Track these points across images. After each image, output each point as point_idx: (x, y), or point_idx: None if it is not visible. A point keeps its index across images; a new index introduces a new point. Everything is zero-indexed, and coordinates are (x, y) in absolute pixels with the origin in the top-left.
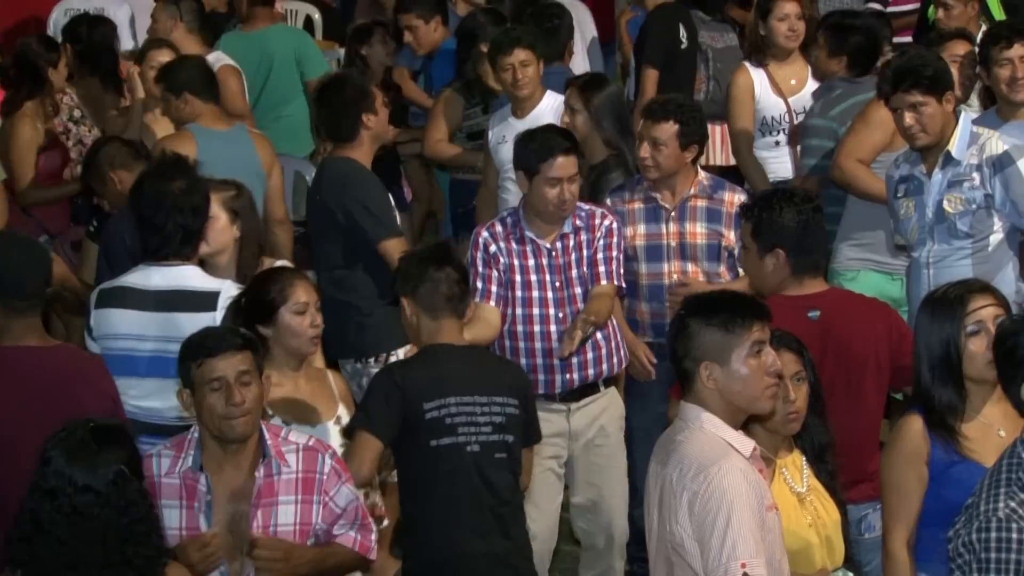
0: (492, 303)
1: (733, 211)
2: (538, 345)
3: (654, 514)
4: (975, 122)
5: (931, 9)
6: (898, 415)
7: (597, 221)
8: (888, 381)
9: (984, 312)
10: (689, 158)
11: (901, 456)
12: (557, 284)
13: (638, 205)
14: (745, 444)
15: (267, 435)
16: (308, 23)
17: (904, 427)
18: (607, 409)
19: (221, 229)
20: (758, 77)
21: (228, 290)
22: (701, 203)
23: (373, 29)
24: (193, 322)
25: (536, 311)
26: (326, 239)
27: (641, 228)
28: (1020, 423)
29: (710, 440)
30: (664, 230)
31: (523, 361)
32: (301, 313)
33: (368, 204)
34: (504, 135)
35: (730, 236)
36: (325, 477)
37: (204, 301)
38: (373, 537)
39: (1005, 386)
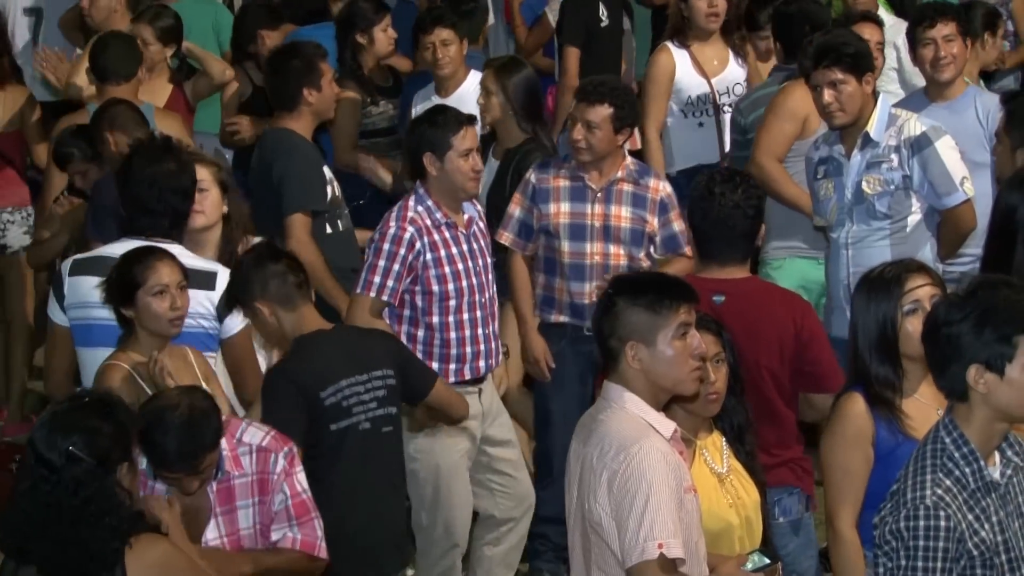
0: (385, 297)
1: (658, 198)
2: (467, 333)
3: (573, 492)
4: (907, 102)
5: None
6: None
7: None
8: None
9: (921, 291)
10: (621, 141)
11: (845, 437)
12: (478, 268)
13: (563, 183)
14: (666, 425)
15: (223, 444)
16: None
17: (846, 408)
18: (489, 382)
19: (214, 202)
20: (680, 58)
21: (223, 271)
22: (627, 187)
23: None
24: (193, 298)
25: (466, 299)
26: (264, 208)
27: (566, 206)
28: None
29: (631, 420)
30: (589, 210)
31: (453, 351)
32: (160, 294)
33: (293, 174)
34: None
35: (653, 222)
36: (276, 477)
37: (203, 279)
38: (318, 532)
39: (938, 370)
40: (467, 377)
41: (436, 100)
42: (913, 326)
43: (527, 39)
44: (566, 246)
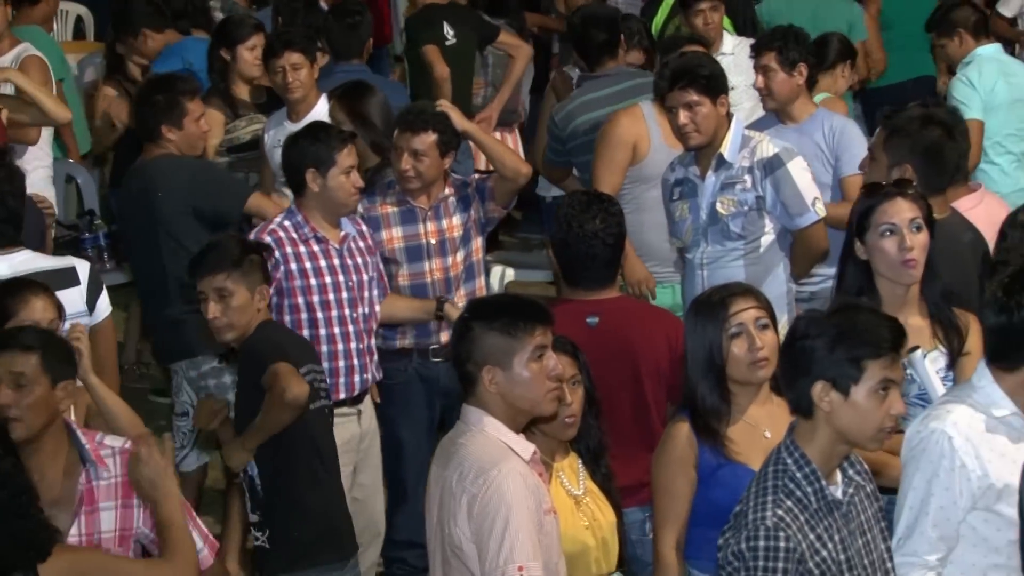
0: None
1: (474, 182)
2: (339, 347)
3: (433, 516)
4: (759, 124)
5: (657, 18)
6: None
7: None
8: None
9: (745, 315)
10: (448, 164)
11: (670, 460)
12: (350, 284)
13: (391, 208)
14: (525, 447)
15: (82, 439)
16: (79, 23)
17: (672, 432)
18: (369, 404)
19: None
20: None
21: (79, 263)
22: (453, 198)
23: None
24: (63, 298)
25: (334, 312)
26: (135, 233)
27: (398, 231)
28: (785, 425)
29: (491, 443)
30: (422, 230)
31: (324, 365)
32: None
33: (212, 181)
34: (279, 139)
35: (478, 208)
36: None
37: (66, 277)
38: (201, 545)
39: (788, 381)
40: (342, 395)
41: (287, 125)
42: (738, 349)
43: None
44: (405, 269)
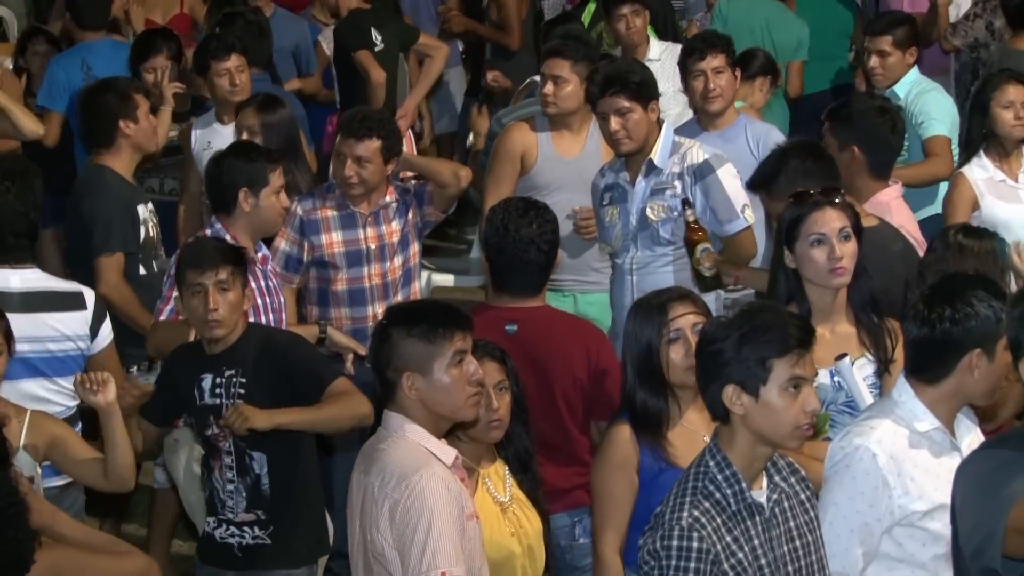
0: None
1: (413, 188)
2: None
3: (356, 523)
4: (682, 130)
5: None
6: None
7: None
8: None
9: (683, 320)
10: (390, 171)
11: (611, 464)
12: (274, 305)
13: (331, 212)
14: (447, 453)
15: None
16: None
17: (613, 435)
18: None
19: None
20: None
21: (86, 290)
22: (394, 204)
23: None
24: (67, 320)
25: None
26: (77, 246)
27: (338, 235)
28: None
29: (412, 449)
30: (362, 235)
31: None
32: None
33: (102, 214)
34: (209, 141)
35: (416, 213)
36: None
37: (71, 300)
38: None
39: (702, 389)
40: None
41: (218, 127)
42: (676, 354)
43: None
44: (343, 273)
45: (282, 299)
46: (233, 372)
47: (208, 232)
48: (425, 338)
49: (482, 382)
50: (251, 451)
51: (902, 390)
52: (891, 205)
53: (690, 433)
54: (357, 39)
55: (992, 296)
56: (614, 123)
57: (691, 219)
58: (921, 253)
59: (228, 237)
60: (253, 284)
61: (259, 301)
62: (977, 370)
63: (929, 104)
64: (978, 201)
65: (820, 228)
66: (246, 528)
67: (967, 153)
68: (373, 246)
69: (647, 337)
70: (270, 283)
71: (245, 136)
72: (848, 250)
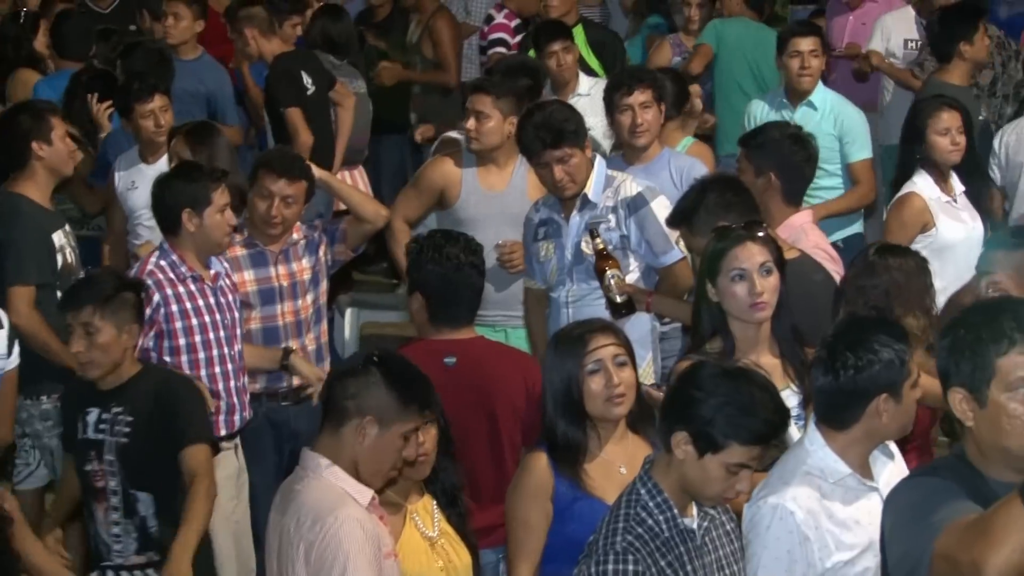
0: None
1: (321, 225)
2: (220, 386)
3: (273, 563)
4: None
5: None
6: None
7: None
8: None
9: (604, 351)
10: (302, 211)
11: (526, 492)
12: (225, 322)
13: (240, 252)
14: (363, 493)
15: None
16: None
17: (529, 463)
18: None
19: None
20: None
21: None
22: (302, 241)
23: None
24: None
25: (215, 352)
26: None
27: (250, 274)
28: (640, 461)
29: (329, 489)
30: (273, 272)
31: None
32: None
33: (15, 242)
34: (133, 180)
35: (326, 250)
36: None
37: None
38: None
39: (662, 414)
40: (223, 432)
41: (143, 168)
42: (595, 385)
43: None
44: (257, 312)
45: (236, 315)
46: (120, 410)
47: (156, 253)
48: (403, 399)
49: (410, 459)
50: (135, 491)
51: (812, 438)
52: (804, 228)
53: (607, 464)
54: (288, 93)
55: (894, 339)
56: (558, 172)
57: (600, 247)
58: (838, 271)
59: (176, 257)
60: (189, 304)
61: (205, 318)
62: (885, 413)
63: (854, 123)
64: (932, 221)
65: (741, 263)
66: (137, 572)
67: (901, 177)
68: (285, 283)
69: (567, 368)
70: (221, 300)
71: (174, 162)
72: (769, 284)
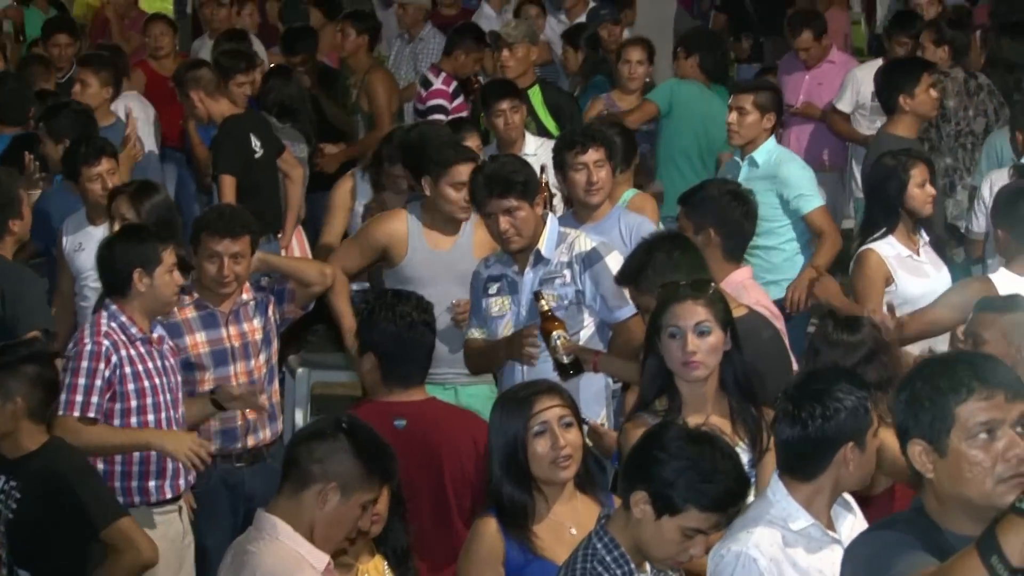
0: (91, 414)
1: (269, 285)
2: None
3: None
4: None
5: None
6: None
7: None
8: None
9: (549, 413)
10: (254, 268)
11: (477, 559)
12: (171, 385)
13: (191, 313)
14: (319, 558)
15: None
16: None
17: (479, 528)
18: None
19: None
20: None
21: None
22: (252, 302)
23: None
24: None
25: (163, 415)
26: None
27: (201, 336)
28: (590, 522)
29: (285, 553)
30: (225, 333)
31: (153, 467)
32: None
33: (23, 294)
34: (81, 242)
35: (275, 310)
36: None
37: None
38: None
39: (622, 471)
40: (168, 496)
41: (91, 230)
42: (541, 447)
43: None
44: (210, 374)
45: (179, 379)
46: (14, 485)
47: (104, 315)
48: (368, 469)
49: (361, 530)
50: (18, 568)
51: (775, 489)
52: (744, 285)
53: (557, 525)
54: (225, 159)
55: (855, 387)
56: (503, 223)
57: (545, 308)
58: (782, 328)
59: (124, 319)
60: (141, 367)
61: (155, 381)
62: (851, 462)
63: (797, 177)
64: (891, 277)
65: (676, 321)
66: None
67: (866, 232)
68: (236, 344)
69: (512, 430)
70: (167, 363)
71: (117, 224)
72: (704, 345)
